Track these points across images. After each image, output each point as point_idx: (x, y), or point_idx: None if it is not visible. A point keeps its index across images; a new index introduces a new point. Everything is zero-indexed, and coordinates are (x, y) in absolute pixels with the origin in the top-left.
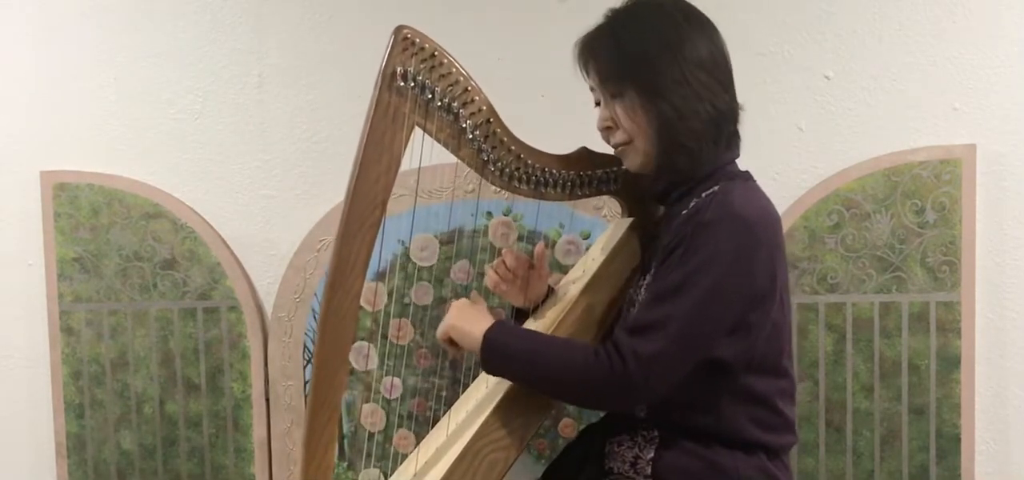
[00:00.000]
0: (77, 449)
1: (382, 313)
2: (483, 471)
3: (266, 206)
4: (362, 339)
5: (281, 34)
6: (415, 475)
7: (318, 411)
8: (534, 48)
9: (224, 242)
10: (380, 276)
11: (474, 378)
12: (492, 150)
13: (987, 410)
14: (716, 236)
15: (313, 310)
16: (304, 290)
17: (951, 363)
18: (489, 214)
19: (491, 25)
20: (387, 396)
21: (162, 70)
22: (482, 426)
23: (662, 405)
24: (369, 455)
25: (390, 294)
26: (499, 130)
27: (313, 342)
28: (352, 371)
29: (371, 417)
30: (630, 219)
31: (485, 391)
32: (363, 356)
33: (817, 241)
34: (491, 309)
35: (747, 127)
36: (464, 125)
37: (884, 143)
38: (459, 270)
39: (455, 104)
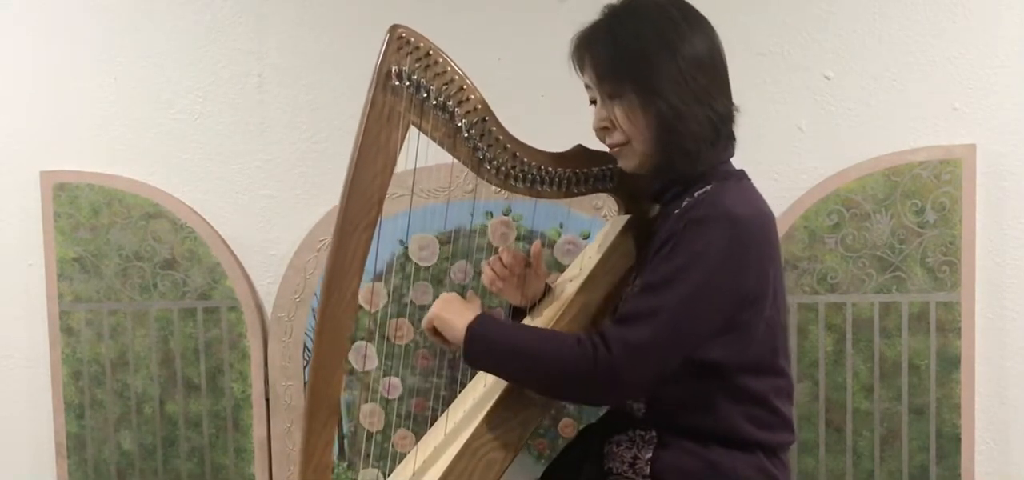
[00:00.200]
0: (77, 449)
1: (381, 313)
2: (481, 470)
3: (266, 206)
4: (362, 339)
5: (281, 34)
6: (413, 475)
7: (316, 411)
8: (534, 48)
9: (224, 242)
10: (379, 276)
11: (472, 377)
12: (488, 148)
13: (987, 410)
14: (708, 233)
15: (313, 310)
16: (304, 290)
17: (951, 363)
18: (488, 214)
19: (491, 25)
20: (386, 396)
21: (162, 70)
22: (480, 425)
23: (659, 405)
24: (369, 455)
25: (389, 294)
26: (495, 128)
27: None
28: (352, 371)
29: (371, 417)
30: (626, 216)
31: (483, 390)
32: (363, 356)
33: (817, 241)
34: (489, 309)
35: (747, 127)
36: (459, 124)
37: (884, 143)
38: (458, 270)
39: (450, 103)
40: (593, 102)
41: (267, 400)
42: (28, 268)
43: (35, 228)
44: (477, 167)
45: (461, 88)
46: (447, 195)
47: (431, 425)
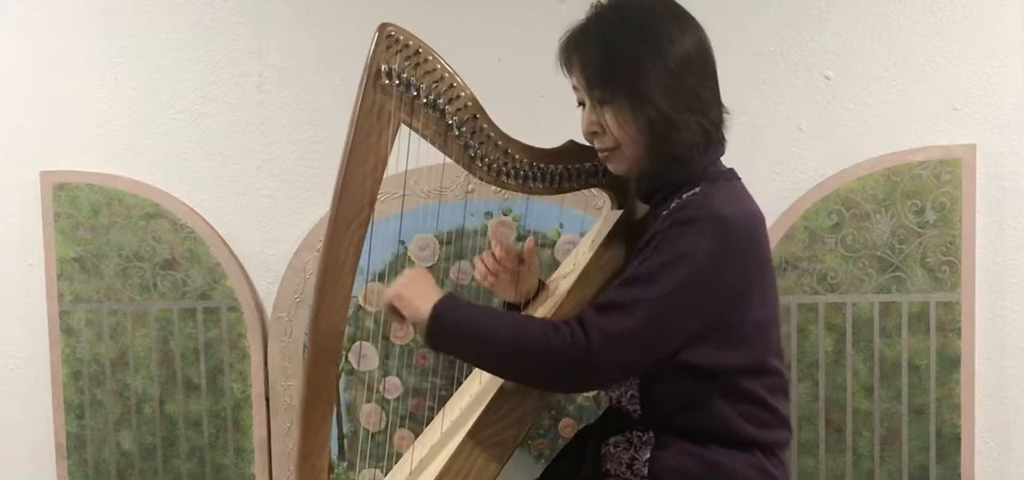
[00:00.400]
0: (77, 449)
1: (382, 313)
2: (478, 468)
3: (266, 206)
4: (362, 339)
5: (281, 34)
6: (410, 474)
7: (312, 412)
8: (534, 48)
9: (224, 242)
10: (380, 276)
11: (468, 374)
12: (479, 146)
13: (987, 410)
14: (695, 234)
15: None
16: (304, 290)
17: (951, 363)
18: (489, 214)
19: (491, 25)
20: (387, 396)
21: (162, 70)
22: (476, 423)
23: (656, 407)
24: (369, 455)
25: None
26: (486, 125)
27: None
28: (352, 371)
29: (371, 417)
30: (619, 212)
31: (479, 387)
32: (363, 356)
33: (817, 241)
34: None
35: (747, 127)
36: (450, 121)
37: (884, 143)
38: (459, 270)
39: (441, 100)
40: (581, 104)
41: (267, 400)
42: (28, 268)
43: (35, 228)
44: (469, 165)
45: (451, 86)
46: (448, 195)
47: (429, 424)
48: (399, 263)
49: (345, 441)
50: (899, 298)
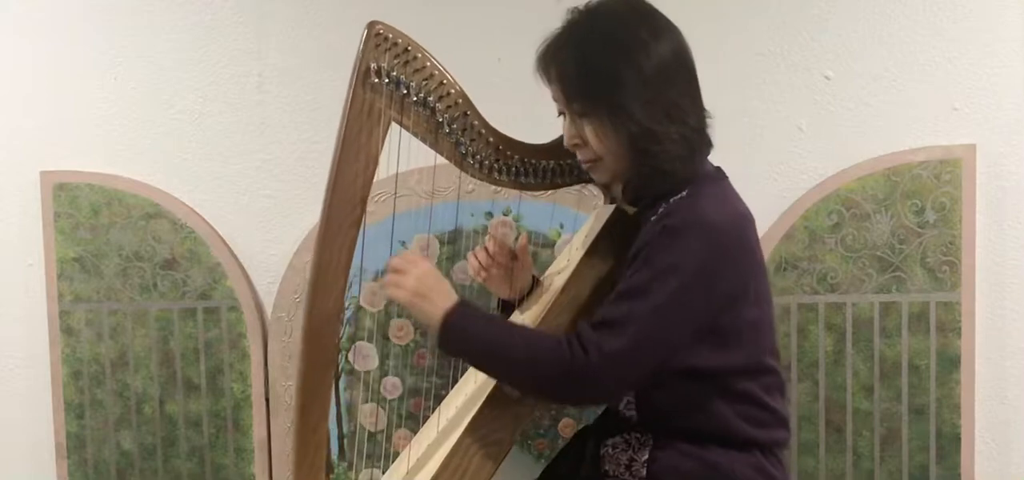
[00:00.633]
0: (77, 449)
1: (382, 313)
2: (475, 466)
3: (266, 206)
4: (362, 339)
5: (281, 34)
6: (407, 473)
7: (307, 412)
8: (534, 48)
9: (224, 242)
10: (380, 276)
11: (464, 372)
12: (470, 143)
13: (987, 410)
14: (684, 241)
15: None
16: (304, 290)
17: (951, 363)
18: (489, 214)
19: (491, 25)
20: (386, 396)
21: (162, 70)
22: (472, 421)
23: (654, 409)
24: (369, 455)
25: None
26: (476, 122)
27: None
28: (352, 371)
29: (371, 417)
30: (611, 206)
31: (474, 386)
32: (363, 356)
33: (817, 241)
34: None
35: (747, 127)
36: (441, 119)
37: (884, 143)
38: (459, 270)
39: (431, 98)
40: (561, 114)
41: (267, 400)
42: (28, 268)
43: (35, 228)
44: (460, 162)
45: (441, 83)
46: (448, 195)
47: (426, 423)
48: None
49: (344, 441)
50: (899, 298)
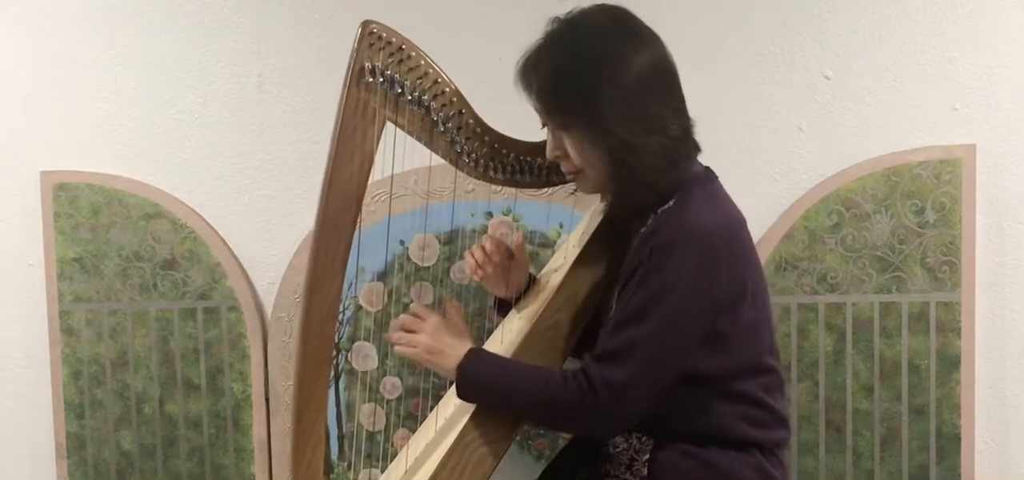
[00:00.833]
0: (77, 449)
1: (382, 313)
2: (474, 464)
3: (266, 206)
4: (362, 339)
5: (281, 34)
6: (406, 472)
7: (304, 412)
8: None
9: (224, 242)
10: (380, 276)
11: None
12: (465, 141)
13: (987, 410)
14: (675, 257)
15: None
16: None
17: (951, 363)
18: (489, 214)
19: (491, 25)
20: (386, 396)
21: (162, 70)
22: (471, 419)
23: (654, 412)
24: (369, 455)
25: (390, 294)
26: (471, 121)
27: None
28: (352, 371)
29: (371, 417)
30: (604, 203)
31: None
32: (363, 356)
33: (817, 241)
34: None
35: (747, 127)
36: (436, 118)
37: (884, 143)
38: (459, 270)
39: (425, 97)
40: (544, 125)
41: (267, 400)
42: (28, 268)
43: (35, 228)
44: (455, 161)
45: (435, 82)
46: (448, 195)
47: (424, 422)
48: (399, 263)
49: (344, 441)
50: (899, 298)
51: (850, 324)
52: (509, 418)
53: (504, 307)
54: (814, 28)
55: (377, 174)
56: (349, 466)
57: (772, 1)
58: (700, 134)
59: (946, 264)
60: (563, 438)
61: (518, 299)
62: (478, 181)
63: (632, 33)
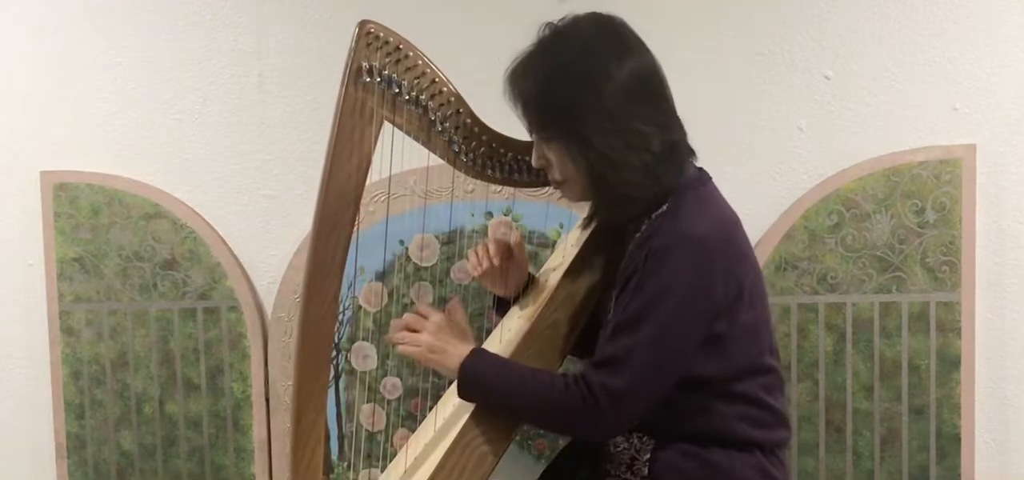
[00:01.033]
0: (77, 449)
1: (382, 313)
2: (473, 463)
3: (266, 206)
4: (362, 339)
5: (281, 34)
6: (405, 472)
7: (303, 412)
8: None
9: (224, 242)
10: (380, 276)
11: None
12: (463, 140)
13: (987, 410)
14: (670, 262)
15: None
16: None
17: (951, 363)
18: (489, 214)
19: (491, 25)
20: (387, 396)
21: (162, 70)
22: (470, 418)
23: (655, 412)
24: (369, 455)
25: (390, 294)
26: (469, 120)
27: None
28: (352, 371)
29: (371, 417)
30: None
31: None
32: (363, 356)
33: (817, 241)
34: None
35: (747, 127)
36: (433, 117)
37: (884, 143)
38: (459, 270)
39: (423, 96)
40: (531, 134)
41: (267, 400)
42: (28, 268)
43: (35, 228)
44: (453, 160)
45: (433, 81)
46: (448, 195)
47: (423, 422)
48: (399, 263)
49: (344, 441)
50: (899, 298)
51: (850, 324)
52: (509, 419)
53: (503, 306)
54: (814, 28)
55: (376, 175)
56: (349, 466)
57: (772, 1)
58: (700, 134)
59: (946, 264)
60: (563, 438)
61: (517, 298)
62: (477, 181)
63: (618, 45)
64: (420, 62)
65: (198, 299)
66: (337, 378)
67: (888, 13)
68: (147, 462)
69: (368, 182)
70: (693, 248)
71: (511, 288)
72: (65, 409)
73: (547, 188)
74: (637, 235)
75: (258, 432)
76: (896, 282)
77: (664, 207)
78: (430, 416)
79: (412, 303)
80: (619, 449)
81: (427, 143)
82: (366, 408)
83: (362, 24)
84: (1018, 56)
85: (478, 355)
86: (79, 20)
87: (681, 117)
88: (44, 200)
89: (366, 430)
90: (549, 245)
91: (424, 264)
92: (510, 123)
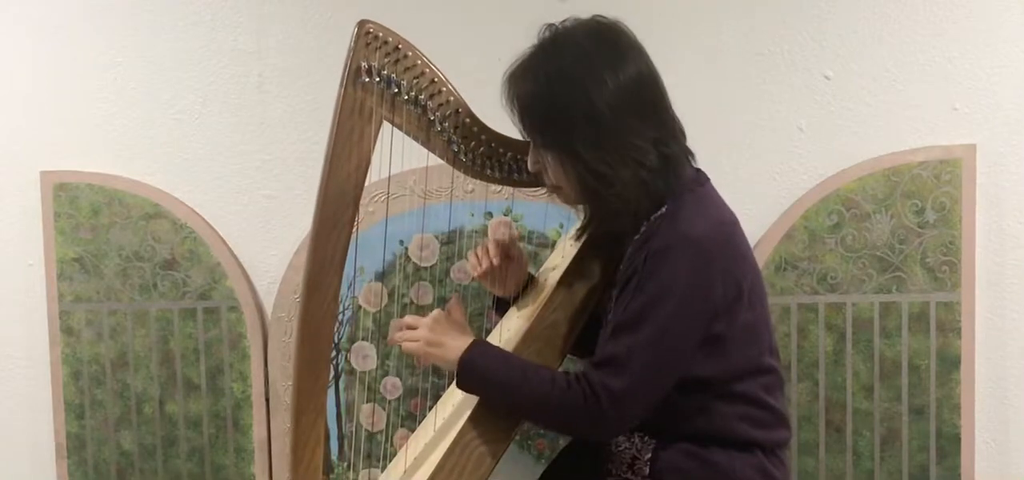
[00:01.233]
0: (77, 449)
1: (382, 313)
2: (473, 463)
3: (266, 206)
4: (362, 339)
5: (281, 34)
6: (405, 472)
7: (303, 412)
8: None
9: (224, 242)
10: (380, 276)
11: None
12: (462, 140)
13: (987, 410)
14: (670, 263)
15: None
16: None
17: (951, 363)
18: (489, 214)
19: (491, 25)
20: (387, 396)
21: (162, 70)
22: (470, 418)
23: (656, 413)
24: (369, 455)
25: (390, 294)
26: (468, 120)
27: None
28: (352, 371)
29: (371, 417)
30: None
31: None
32: (363, 356)
33: (817, 241)
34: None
35: (747, 127)
36: (432, 117)
37: (884, 143)
38: (459, 270)
39: (422, 96)
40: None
41: (267, 400)
42: (28, 268)
43: (35, 228)
44: (452, 160)
45: (432, 81)
46: (448, 195)
47: (423, 422)
48: (399, 263)
49: (344, 441)
50: (899, 298)
51: (850, 324)
52: (508, 416)
53: (503, 306)
54: (814, 28)
55: (375, 175)
56: (349, 466)
57: (772, 1)
58: (700, 134)
59: (946, 264)
60: (563, 438)
61: (516, 298)
62: (477, 181)
63: (614, 54)
64: (419, 62)
65: (198, 299)
66: (337, 378)
67: (888, 13)
68: (147, 462)
69: (368, 182)
70: (692, 249)
71: (511, 288)
72: (65, 409)
73: (546, 188)
74: (637, 236)
75: (258, 432)
76: (896, 282)
77: (663, 209)
78: (430, 416)
79: (412, 303)
80: (620, 449)
81: (426, 143)
82: (366, 408)
83: (361, 24)
84: (1018, 56)
85: (478, 346)
86: (79, 20)
87: (681, 117)
88: (44, 200)
89: (366, 430)
90: (549, 245)
91: (424, 264)
92: (509, 123)
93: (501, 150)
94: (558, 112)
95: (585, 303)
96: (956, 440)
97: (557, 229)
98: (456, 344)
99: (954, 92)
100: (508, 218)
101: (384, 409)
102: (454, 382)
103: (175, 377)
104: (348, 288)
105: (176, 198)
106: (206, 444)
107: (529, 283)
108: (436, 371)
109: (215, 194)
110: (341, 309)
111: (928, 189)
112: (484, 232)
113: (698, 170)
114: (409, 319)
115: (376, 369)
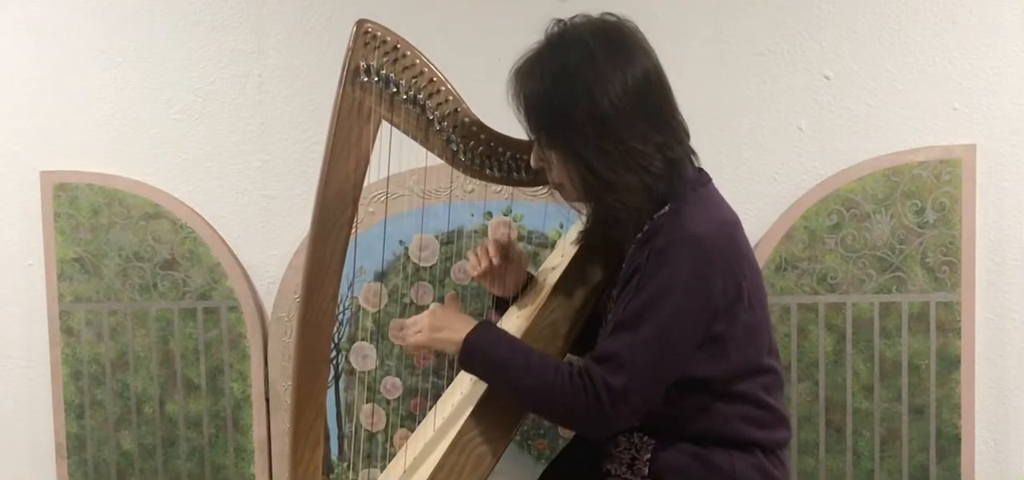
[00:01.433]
0: (77, 449)
1: (382, 313)
2: (473, 462)
3: (266, 206)
4: (362, 339)
5: (281, 34)
6: (404, 471)
7: (303, 412)
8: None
9: (224, 242)
10: (380, 276)
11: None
12: (461, 140)
13: (987, 410)
14: (671, 261)
15: None
16: None
17: (951, 363)
18: (489, 214)
19: (491, 25)
20: (387, 396)
21: (162, 70)
22: (470, 417)
23: (656, 412)
24: (369, 455)
25: (390, 294)
26: (467, 119)
27: None
28: (352, 371)
29: (371, 417)
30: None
31: (471, 384)
32: (363, 356)
33: (817, 241)
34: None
35: (747, 127)
36: (431, 117)
37: (884, 143)
38: (459, 270)
39: (421, 96)
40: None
41: (267, 400)
42: (28, 268)
43: (35, 228)
44: (451, 159)
45: (431, 80)
46: (447, 195)
47: (422, 421)
48: (399, 263)
49: (344, 441)
50: (899, 298)
51: (850, 324)
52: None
53: (503, 306)
54: (814, 28)
55: (374, 175)
56: (349, 466)
57: (772, 1)
58: (700, 134)
59: (946, 264)
60: (563, 438)
61: (516, 298)
62: (476, 180)
63: (621, 55)
64: (418, 61)
65: (198, 299)
66: (337, 378)
67: (888, 13)
68: (147, 462)
69: (367, 182)
70: (692, 249)
71: (510, 288)
72: (65, 409)
73: (546, 187)
74: (639, 235)
75: (258, 432)
76: (896, 282)
77: (665, 208)
78: (430, 416)
79: (412, 303)
80: (620, 449)
81: (425, 142)
82: (366, 408)
83: (360, 23)
84: (1018, 56)
85: (485, 326)
86: (79, 20)
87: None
88: (44, 200)
89: (366, 430)
90: (549, 245)
91: (423, 264)
92: (509, 122)
93: (500, 149)
94: (563, 112)
95: (585, 303)
96: (956, 440)
97: (557, 229)
98: (461, 325)
99: (954, 92)
100: (508, 218)
101: (384, 409)
102: (454, 382)
103: (175, 377)
104: (348, 288)
105: (176, 198)
106: (206, 444)
107: (529, 283)
108: (436, 371)
109: (215, 194)
110: (341, 309)
111: (928, 189)
112: (484, 232)
113: (700, 170)
114: (407, 320)
115: (376, 369)
